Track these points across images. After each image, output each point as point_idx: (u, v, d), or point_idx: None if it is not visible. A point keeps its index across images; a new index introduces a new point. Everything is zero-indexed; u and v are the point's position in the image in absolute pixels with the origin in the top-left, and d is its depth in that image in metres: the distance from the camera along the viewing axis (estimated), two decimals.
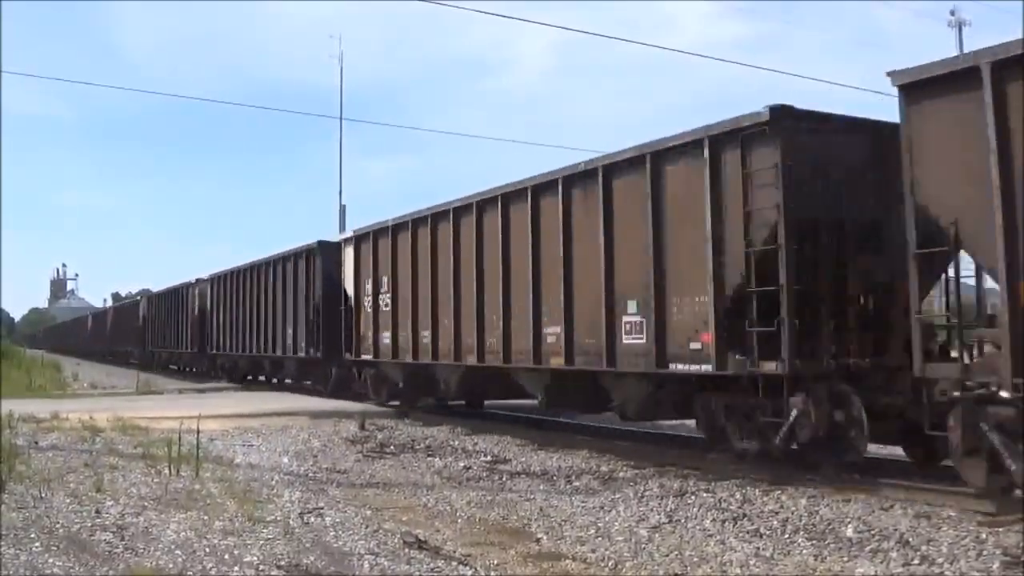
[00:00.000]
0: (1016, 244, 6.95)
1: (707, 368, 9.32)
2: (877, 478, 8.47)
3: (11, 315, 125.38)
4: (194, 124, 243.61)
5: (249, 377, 27.11)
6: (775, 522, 7.11)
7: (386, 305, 16.26)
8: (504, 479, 9.57)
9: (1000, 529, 6.54)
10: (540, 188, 12.07)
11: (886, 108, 8.61)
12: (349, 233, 18.17)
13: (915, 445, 8.97)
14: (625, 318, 10.44)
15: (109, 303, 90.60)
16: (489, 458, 10.96)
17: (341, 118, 39.67)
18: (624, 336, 10.45)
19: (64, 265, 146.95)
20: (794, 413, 8.66)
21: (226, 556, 5.98)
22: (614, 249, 10.63)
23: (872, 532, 6.65)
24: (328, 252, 19.77)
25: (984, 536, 6.37)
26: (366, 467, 10.42)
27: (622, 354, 10.47)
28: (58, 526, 6.77)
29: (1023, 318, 6.94)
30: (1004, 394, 7.10)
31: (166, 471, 9.16)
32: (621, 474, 9.62)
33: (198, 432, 10.13)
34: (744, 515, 7.40)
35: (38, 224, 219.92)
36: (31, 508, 7.33)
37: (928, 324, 8.31)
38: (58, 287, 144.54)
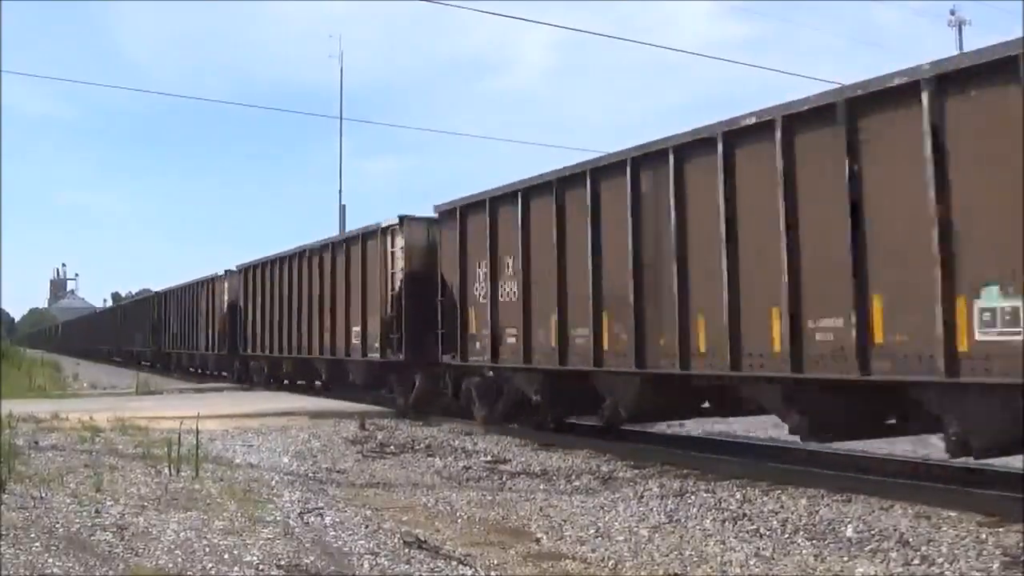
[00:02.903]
0: None
1: None
2: None
3: (11, 315, 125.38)
4: (194, 124, 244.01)
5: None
6: (775, 522, 7.11)
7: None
8: (504, 479, 9.56)
9: (1000, 529, 6.54)
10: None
11: None
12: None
13: None
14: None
15: (109, 303, 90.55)
16: (489, 458, 10.96)
17: (341, 118, 39.53)
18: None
19: (64, 265, 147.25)
20: None
21: (226, 556, 5.98)
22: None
23: (872, 532, 6.65)
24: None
25: (984, 536, 6.37)
26: (366, 467, 10.42)
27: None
28: (58, 526, 6.76)
29: None
30: None
31: (166, 471, 9.17)
32: (621, 474, 9.61)
33: (197, 432, 10.12)
34: (744, 515, 7.40)
35: (38, 224, 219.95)
36: (31, 508, 7.32)
37: None
38: (58, 287, 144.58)
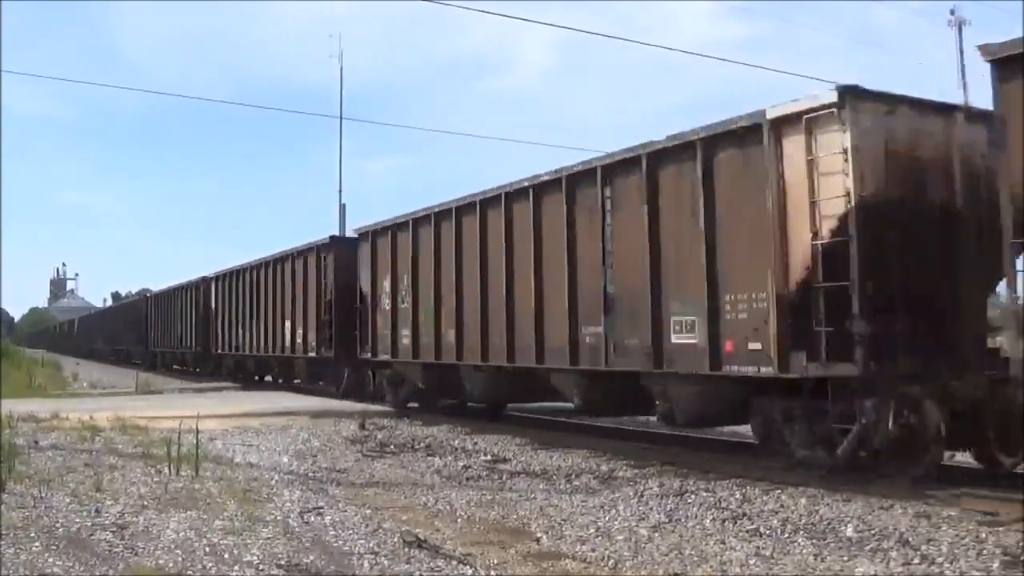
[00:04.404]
0: None
1: None
2: None
3: (11, 315, 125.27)
4: (194, 124, 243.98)
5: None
6: (775, 521, 7.10)
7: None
8: (504, 478, 9.56)
9: (1000, 528, 6.54)
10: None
11: None
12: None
13: None
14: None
15: (109, 303, 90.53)
16: (489, 457, 10.96)
17: (341, 118, 39.44)
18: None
19: (64, 265, 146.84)
20: None
21: (226, 555, 5.98)
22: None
23: (872, 531, 6.64)
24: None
25: (984, 535, 6.36)
26: (366, 466, 10.42)
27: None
28: (58, 526, 6.77)
29: None
30: None
31: (166, 471, 9.17)
32: (621, 473, 9.61)
33: (197, 432, 10.13)
34: (744, 514, 7.40)
35: (38, 224, 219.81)
36: (31, 508, 7.33)
37: None
38: (58, 287, 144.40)
